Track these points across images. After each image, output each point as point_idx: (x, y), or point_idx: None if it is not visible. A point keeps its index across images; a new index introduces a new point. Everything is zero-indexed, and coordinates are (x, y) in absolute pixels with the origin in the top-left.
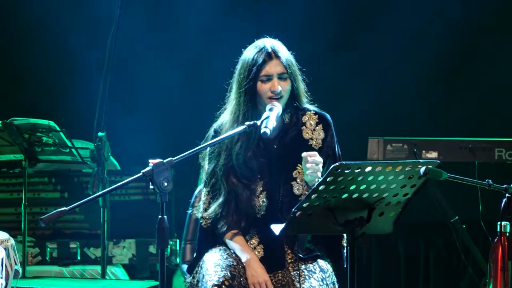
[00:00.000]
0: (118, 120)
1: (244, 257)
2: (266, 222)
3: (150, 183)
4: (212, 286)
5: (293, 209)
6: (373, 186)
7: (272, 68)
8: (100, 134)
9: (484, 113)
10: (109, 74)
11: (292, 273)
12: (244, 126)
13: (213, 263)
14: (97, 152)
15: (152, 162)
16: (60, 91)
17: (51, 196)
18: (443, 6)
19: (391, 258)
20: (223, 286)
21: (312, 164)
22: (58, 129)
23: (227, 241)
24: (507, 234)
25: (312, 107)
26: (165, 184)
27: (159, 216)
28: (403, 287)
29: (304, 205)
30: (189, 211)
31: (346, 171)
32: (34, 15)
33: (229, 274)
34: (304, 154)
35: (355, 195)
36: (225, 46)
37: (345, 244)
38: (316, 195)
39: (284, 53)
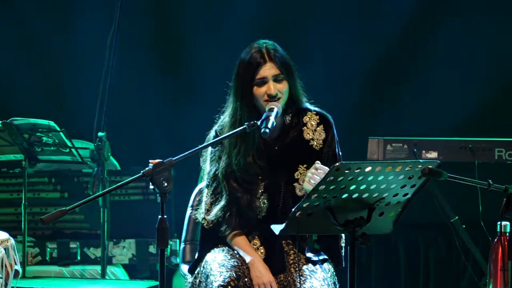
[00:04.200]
0: (118, 120)
1: (248, 258)
2: (267, 223)
3: (150, 183)
4: (218, 287)
5: (293, 209)
6: (373, 186)
7: (267, 71)
8: (100, 134)
9: (484, 113)
10: (109, 74)
11: (294, 274)
12: (244, 126)
13: (218, 264)
14: (97, 152)
15: (152, 162)
16: (60, 91)
17: (51, 196)
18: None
19: (391, 258)
20: (229, 287)
21: (314, 176)
22: (58, 129)
23: (230, 242)
24: (507, 234)
25: (313, 107)
26: (165, 184)
27: (159, 216)
28: (403, 287)
29: (304, 205)
30: (189, 212)
31: (346, 171)
32: (34, 15)
33: (234, 274)
34: (318, 165)
35: (355, 195)
36: (225, 46)
37: (343, 245)
38: (316, 195)
39: (279, 55)
